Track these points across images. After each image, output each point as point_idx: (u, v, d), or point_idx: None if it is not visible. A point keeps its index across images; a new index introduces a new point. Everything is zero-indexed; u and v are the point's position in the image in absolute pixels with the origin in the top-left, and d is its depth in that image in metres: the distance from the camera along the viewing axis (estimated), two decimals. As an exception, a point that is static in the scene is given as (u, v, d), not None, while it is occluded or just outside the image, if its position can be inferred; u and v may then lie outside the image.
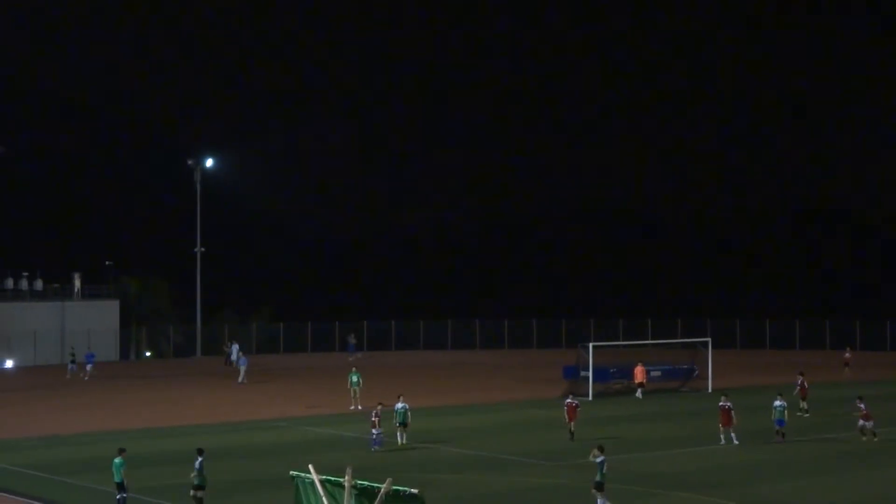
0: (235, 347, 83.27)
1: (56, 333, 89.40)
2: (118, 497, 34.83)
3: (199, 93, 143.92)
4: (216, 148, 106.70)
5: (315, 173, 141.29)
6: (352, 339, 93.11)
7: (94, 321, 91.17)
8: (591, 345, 65.15)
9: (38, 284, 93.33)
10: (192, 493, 34.66)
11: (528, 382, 73.49)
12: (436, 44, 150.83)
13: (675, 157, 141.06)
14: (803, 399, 56.65)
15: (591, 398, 61.94)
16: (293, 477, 26.73)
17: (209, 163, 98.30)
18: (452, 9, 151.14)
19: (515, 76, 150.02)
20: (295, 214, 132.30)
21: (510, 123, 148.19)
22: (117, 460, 34.96)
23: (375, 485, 24.85)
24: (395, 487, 24.52)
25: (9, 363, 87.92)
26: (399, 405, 47.86)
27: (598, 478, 34.49)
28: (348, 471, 25.28)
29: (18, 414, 59.85)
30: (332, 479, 25.82)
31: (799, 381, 57.66)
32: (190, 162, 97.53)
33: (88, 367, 76.68)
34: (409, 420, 48.00)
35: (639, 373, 65.33)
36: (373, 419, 46.30)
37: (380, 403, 47.34)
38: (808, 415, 55.70)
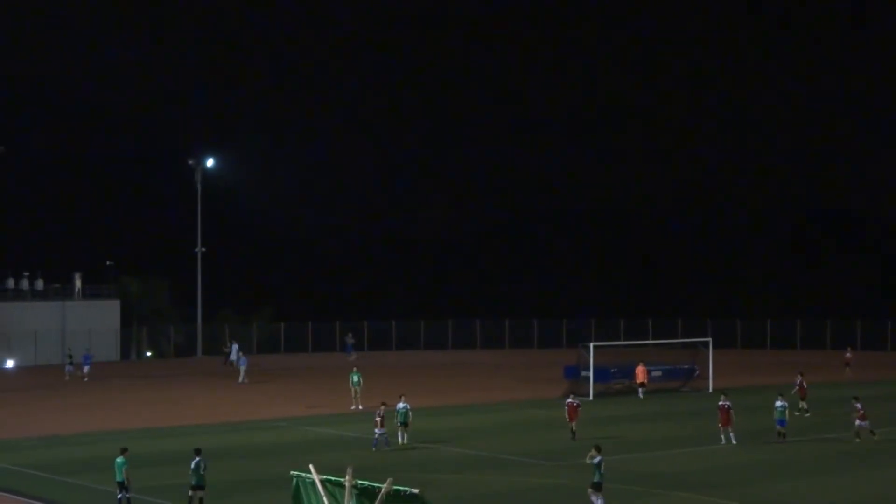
0: (235, 347, 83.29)
1: (57, 333, 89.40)
2: (119, 496, 34.84)
3: (200, 93, 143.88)
4: (217, 148, 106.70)
5: (316, 173, 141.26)
6: (350, 339, 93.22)
7: (95, 321, 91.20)
8: (591, 345, 65.22)
9: (39, 284, 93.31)
10: (189, 493, 34.64)
11: (529, 382, 73.51)
12: (436, 43, 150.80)
13: (675, 157, 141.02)
14: (802, 399, 56.69)
15: (591, 398, 61.98)
16: (293, 477, 26.72)
17: (210, 163, 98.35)
18: (453, 8, 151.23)
19: (516, 75, 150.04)
20: (296, 214, 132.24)
21: (511, 123, 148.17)
22: (119, 460, 34.97)
23: (376, 485, 24.83)
24: (395, 487, 24.51)
25: (9, 363, 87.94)
26: (401, 405, 47.94)
27: (595, 478, 34.40)
28: (349, 471, 25.28)
29: (19, 414, 59.88)
30: (333, 478, 25.81)
31: (798, 381, 57.71)
32: (191, 162, 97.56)
33: (86, 367, 76.59)
34: (411, 420, 48.07)
35: (640, 373, 65.38)
36: (376, 419, 46.42)
37: (383, 404, 47.40)
38: (808, 414, 55.74)
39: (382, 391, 62.00)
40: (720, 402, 48.14)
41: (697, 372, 69.16)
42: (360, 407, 58.89)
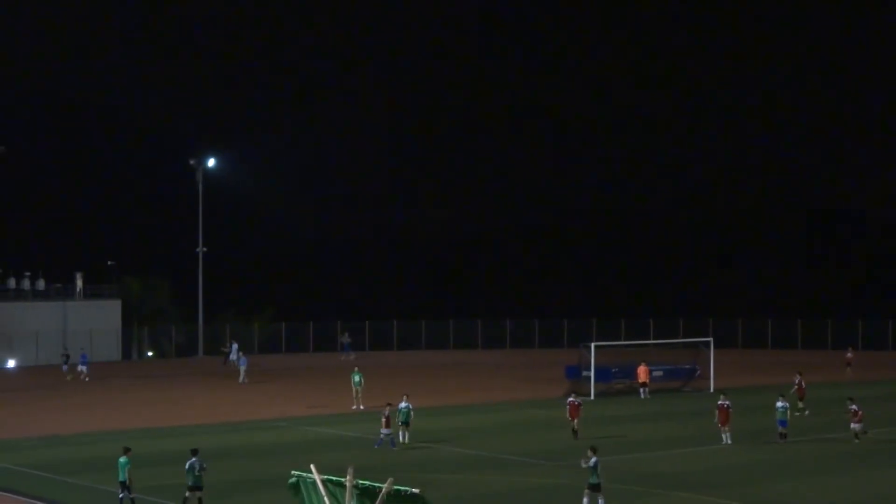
0: (235, 347, 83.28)
1: (58, 333, 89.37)
2: (120, 496, 34.86)
3: (200, 92, 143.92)
4: (218, 148, 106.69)
5: (317, 173, 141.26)
6: (346, 339, 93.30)
7: (97, 321, 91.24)
8: (592, 344, 65.23)
9: (41, 284, 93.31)
10: (186, 494, 34.62)
11: (530, 382, 73.52)
12: (436, 43, 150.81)
13: (676, 157, 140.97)
14: (801, 399, 56.68)
15: (592, 398, 61.99)
16: (295, 477, 26.74)
17: (211, 162, 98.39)
18: (454, 8, 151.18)
19: (515, 75, 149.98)
20: (297, 214, 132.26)
21: (512, 123, 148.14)
22: (122, 459, 34.98)
23: (377, 484, 24.86)
24: (396, 487, 24.53)
25: (11, 363, 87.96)
26: (403, 404, 48.00)
27: (593, 480, 34.31)
28: (350, 470, 25.30)
29: (19, 414, 59.90)
30: (334, 478, 25.83)
31: (797, 381, 57.73)
32: (192, 162, 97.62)
33: (82, 367, 76.43)
34: (412, 419, 48.12)
35: (642, 372, 65.39)
36: (382, 419, 46.53)
37: (388, 404, 47.48)
38: (807, 413, 55.73)
39: (383, 391, 62.05)
40: (719, 402, 48.18)
41: (699, 372, 69.17)
42: (362, 407, 58.92)
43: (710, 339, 69.70)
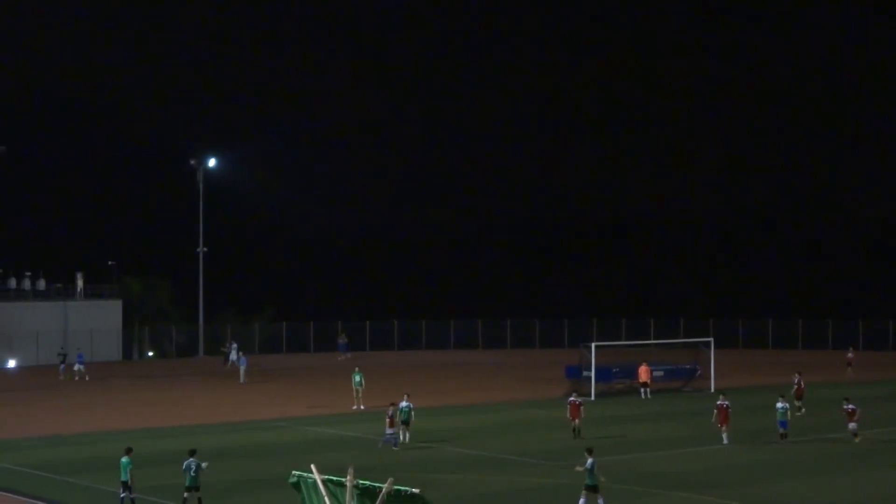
0: (235, 347, 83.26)
1: (59, 333, 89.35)
2: (122, 496, 34.86)
3: (201, 92, 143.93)
4: (219, 148, 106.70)
5: (317, 173, 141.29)
6: (342, 339, 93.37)
7: (97, 321, 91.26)
8: (593, 344, 65.22)
9: (41, 284, 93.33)
10: (185, 494, 34.62)
11: (530, 382, 73.52)
12: (436, 43, 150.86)
13: (677, 157, 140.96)
14: (798, 398, 56.65)
15: (593, 398, 61.98)
16: (295, 476, 26.75)
17: (212, 162, 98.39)
18: (454, 8, 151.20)
19: (518, 75, 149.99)
20: (297, 214, 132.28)
21: (513, 123, 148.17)
22: (124, 459, 34.98)
23: (377, 484, 24.87)
24: (396, 487, 24.54)
25: (11, 363, 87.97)
26: (404, 404, 48.02)
27: (589, 481, 34.28)
28: (350, 471, 25.32)
29: (20, 414, 59.91)
30: (334, 478, 25.84)
31: (796, 380, 57.72)
32: (192, 162, 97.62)
33: (79, 367, 76.30)
34: (413, 419, 48.13)
35: (643, 372, 65.37)
36: (386, 419, 46.59)
37: (392, 404, 47.51)
38: (803, 411, 55.68)
39: (384, 391, 62.06)
40: (719, 402, 48.18)
41: (699, 372, 69.14)
42: (363, 407, 58.94)
43: (711, 339, 69.64)
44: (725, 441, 47.23)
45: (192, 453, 35.07)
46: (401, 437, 47.39)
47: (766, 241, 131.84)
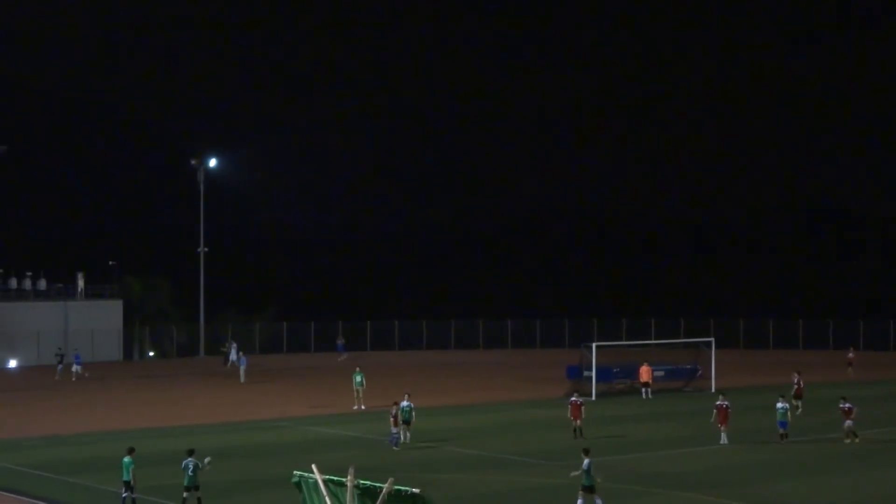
0: (235, 347, 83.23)
1: (59, 333, 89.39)
2: (124, 495, 34.85)
3: (202, 92, 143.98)
4: (219, 148, 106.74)
5: (317, 173, 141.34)
6: (340, 340, 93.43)
7: (98, 321, 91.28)
8: (594, 344, 65.20)
9: (42, 284, 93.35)
10: (184, 494, 34.60)
11: (531, 382, 73.51)
12: (435, 43, 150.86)
13: (677, 157, 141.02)
14: (797, 398, 56.61)
15: (594, 398, 61.96)
16: (296, 476, 26.76)
17: (212, 163, 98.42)
18: (455, 8, 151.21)
19: (517, 75, 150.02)
20: (298, 214, 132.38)
21: (514, 123, 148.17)
22: (126, 459, 34.97)
23: (377, 484, 24.87)
24: (396, 487, 24.54)
25: (12, 363, 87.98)
26: (404, 403, 48.02)
27: (586, 481, 34.26)
28: (351, 470, 25.32)
29: (20, 414, 59.91)
30: (335, 478, 25.85)
31: (795, 380, 57.70)
32: (193, 162, 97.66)
33: (76, 368, 76.22)
34: (413, 418, 48.14)
35: (644, 372, 65.33)
36: (391, 418, 46.65)
37: (395, 403, 47.51)
38: (799, 411, 55.65)
39: (385, 391, 62.08)
40: (718, 402, 48.17)
41: (700, 372, 69.12)
42: (363, 407, 58.93)
43: (712, 339, 69.63)
44: (725, 441, 47.25)
45: (191, 453, 35.06)
46: (401, 437, 47.40)
47: (766, 241, 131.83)
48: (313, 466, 26.08)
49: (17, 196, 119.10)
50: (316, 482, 25.93)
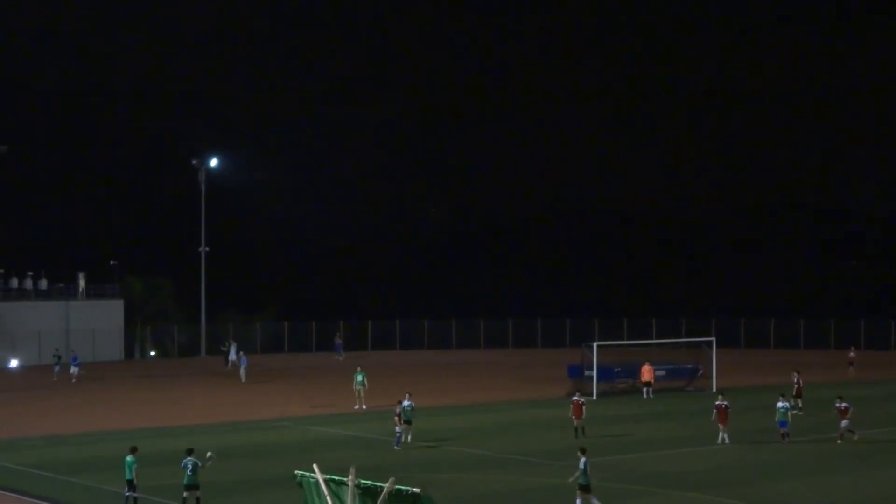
0: (234, 347, 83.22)
1: (60, 333, 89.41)
2: (126, 495, 34.86)
3: (202, 92, 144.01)
4: (220, 148, 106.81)
5: (319, 173, 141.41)
6: (338, 340, 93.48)
7: (99, 321, 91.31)
8: (595, 344, 65.18)
9: (43, 284, 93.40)
10: (184, 494, 34.60)
11: (532, 382, 73.52)
12: (435, 43, 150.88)
13: (678, 158, 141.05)
14: (796, 397, 56.62)
15: (595, 397, 61.96)
16: (298, 476, 26.77)
17: (213, 162, 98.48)
18: (455, 8, 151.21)
19: (518, 74, 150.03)
20: (299, 214, 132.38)
21: (514, 123, 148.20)
22: (129, 458, 34.97)
23: (378, 484, 24.89)
24: (397, 487, 24.56)
25: (13, 363, 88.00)
26: (405, 403, 48.03)
27: (583, 480, 34.29)
28: (351, 470, 25.34)
29: (21, 413, 59.93)
30: (336, 478, 25.87)
31: (795, 380, 57.70)
32: (194, 161, 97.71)
33: (74, 369, 76.19)
34: (414, 418, 48.16)
35: (646, 372, 65.32)
36: (395, 417, 46.71)
37: (399, 402, 47.53)
38: (799, 410, 55.65)
39: (386, 391, 62.09)
40: (718, 402, 48.18)
41: (701, 371, 69.11)
42: (364, 407, 58.94)
43: (713, 338, 69.63)
44: (726, 441, 47.26)
45: (190, 452, 35.04)
46: (403, 437, 47.42)
47: (766, 241, 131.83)
48: (314, 466, 26.10)
49: (17, 196, 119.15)
50: (317, 482, 25.95)
